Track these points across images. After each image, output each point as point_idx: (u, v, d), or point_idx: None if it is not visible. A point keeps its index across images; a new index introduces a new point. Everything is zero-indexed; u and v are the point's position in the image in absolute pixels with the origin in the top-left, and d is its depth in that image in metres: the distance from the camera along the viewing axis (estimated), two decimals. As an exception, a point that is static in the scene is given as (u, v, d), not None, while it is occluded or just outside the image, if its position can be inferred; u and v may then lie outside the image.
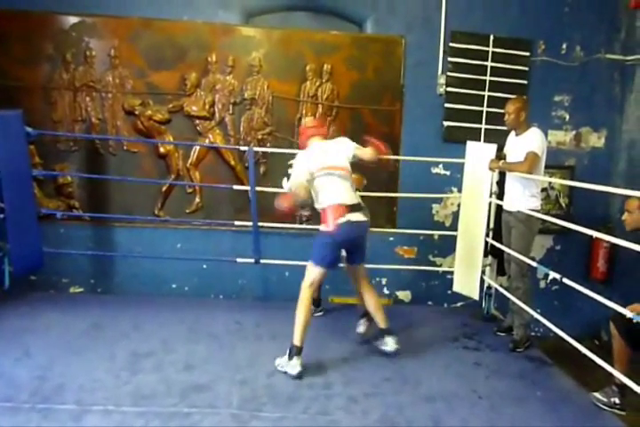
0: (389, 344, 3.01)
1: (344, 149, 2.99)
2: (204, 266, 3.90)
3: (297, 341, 2.81)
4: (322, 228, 2.88)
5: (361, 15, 4.00)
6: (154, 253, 3.79)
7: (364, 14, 3.98)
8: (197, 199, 3.94)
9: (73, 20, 3.78)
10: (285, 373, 2.77)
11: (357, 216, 2.87)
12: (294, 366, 2.76)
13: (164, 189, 3.90)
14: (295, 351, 2.79)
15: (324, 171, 2.88)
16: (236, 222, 3.79)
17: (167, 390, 2.58)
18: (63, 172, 3.82)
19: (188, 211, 3.94)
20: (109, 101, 3.83)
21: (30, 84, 3.77)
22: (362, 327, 3.26)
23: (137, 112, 3.82)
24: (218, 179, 3.83)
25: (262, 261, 3.73)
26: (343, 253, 3.04)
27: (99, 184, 3.87)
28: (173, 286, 3.95)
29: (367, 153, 3.00)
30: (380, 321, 3.05)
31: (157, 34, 3.81)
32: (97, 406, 2.42)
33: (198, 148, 3.88)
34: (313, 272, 2.90)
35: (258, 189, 3.63)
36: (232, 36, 3.86)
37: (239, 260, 3.77)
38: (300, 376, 2.74)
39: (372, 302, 3.06)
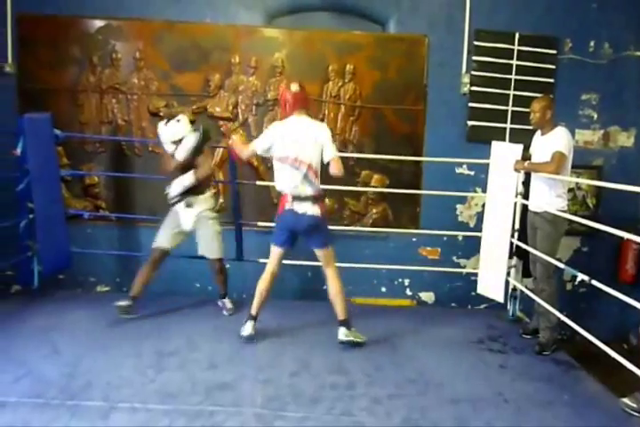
0: (340, 335, 3.11)
1: (319, 145, 2.93)
2: (227, 265, 3.93)
3: (344, 314, 3.11)
4: (320, 212, 3.00)
5: (383, 15, 3.98)
6: (177, 253, 3.83)
7: (387, 14, 3.97)
8: (221, 199, 3.97)
9: (99, 23, 3.85)
10: None
11: (303, 207, 2.94)
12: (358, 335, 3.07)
13: (188, 189, 3.94)
14: (349, 321, 3.07)
15: (287, 161, 2.89)
16: (259, 223, 3.81)
17: (192, 388, 2.61)
18: (90, 172, 3.89)
19: (211, 211, 3.97)
20: (135, 103, 3.90)
21: (58, 87, 3.85)
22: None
23: (161, 113, 3.87)
24: (241, 179, 3.85)
25: (285, 261, 3.74)
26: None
27: (124, 185, 3.94)
28: (197, 285, 3.99)
29: (333, 167, 2.95)
30: (339, 312, 3.13)
31: (181, 36, 3.85)
32: (124, 404, 2.45)
33: (222, 148, 3.91)
34: (271, 250, 3.16)
35: None
36: (255, 37, 3.88)
37: (261, 260, 3.78)
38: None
39: (331, 290, 3.14)
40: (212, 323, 3.43)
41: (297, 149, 2.89)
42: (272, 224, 3.76)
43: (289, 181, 2.92)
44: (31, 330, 3.18)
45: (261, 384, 2.68)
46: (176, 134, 3.21)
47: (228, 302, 3.58)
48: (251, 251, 3.84)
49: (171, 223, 3.34)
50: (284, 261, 3.77)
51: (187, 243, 3.93)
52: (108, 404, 2.44)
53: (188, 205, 3.31)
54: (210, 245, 3.42)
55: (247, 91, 3.90)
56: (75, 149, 3.87)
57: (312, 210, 2.95)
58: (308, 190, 2.93)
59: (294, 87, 2.96)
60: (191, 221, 3.36)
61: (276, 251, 3.14)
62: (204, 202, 3.38)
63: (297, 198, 2.94)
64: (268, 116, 3.93)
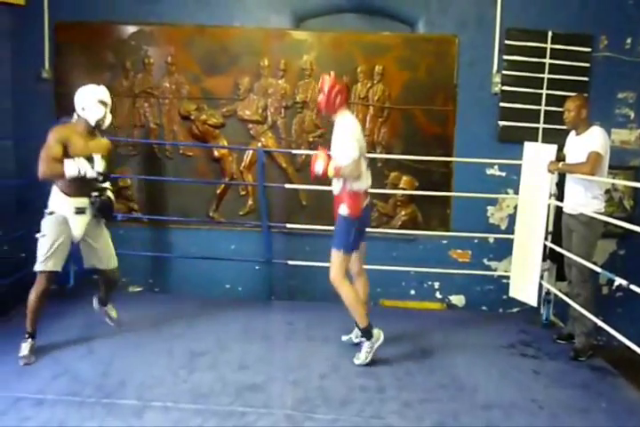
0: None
1: None
2: (257, 267, 3.97)
3: (365, 322, 2.93)
4: (344, 212, 2.88)
5: (413, 15, 3.95)
6: (208, 254, 3.89)
7: (416, 14, 3.93)
8: (250, 201, 4.01)
9: (132, 29, 3.93)
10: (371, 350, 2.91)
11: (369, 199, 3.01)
12: (379, 337, 2.94)
13: (218, 191, 3.99)
14: (370, 328, 2.92)
15: (364, 153, 2.90)
16: (288, 225, 3.83)
17: (223, 388, 2.64)
18: (123, 175, 3.98)
19: (241, 213, 4.01)
20: (166, 107, 3.97)
21: (93, 92, 3.95)
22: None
23: (192, 117, 3.94)
24: (270, 181, 3.88)
25: (314, 263, 3.76)
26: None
27: (156, 187, 4.01)
28: (227, 286, 4.03)
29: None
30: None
31: (211, 40, 3.90)
32: (157, 403, 2.50)
33: (251, 151, 3.94)
34: (345, 260, 2.91)
35: (308, 187, 3.66)
36: (283, 40, 3.90)
37: (290, 262, 3.81)
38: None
39: (365, 292, 3.11)
40: (241, 324, 3.47)
41: (364, 144, 2.97)
42: (301, 226, 3.81)
43: (369, 176, 2.94)
44: (67, 329, 3.27)
45: (291, 386, 2.69)
46: None
47: (113, 312, 3.23)
48: (279, 253, 3.86)
49: (58, 236, 2.78)
50: (322, 264, 3.78)
51: (220, 245, 3.99)
52: (141, 403, 2.49)
53: (80, 211, 2.84)
54: (108, 252, 3.05)
55: (276, 93, 3.93)
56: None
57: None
58: None
59: (336, 77, 2.90)
60: (82, 229, 2.88)
61: (349, 258, 2.94)
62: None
63: (366, 192, 2.94)
64: (297, 118, 3.95)
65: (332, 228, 3.81)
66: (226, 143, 3.97)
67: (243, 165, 3.99)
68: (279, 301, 3.97)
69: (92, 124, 2.79)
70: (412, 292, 3.98)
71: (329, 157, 2.83)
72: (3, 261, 3.72)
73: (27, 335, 2.85)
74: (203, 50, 3.91)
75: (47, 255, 2.77)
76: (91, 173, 2.71)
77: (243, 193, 4.02)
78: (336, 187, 2.90)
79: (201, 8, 3.90)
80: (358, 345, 3.04)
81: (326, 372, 2.87)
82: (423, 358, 3.07)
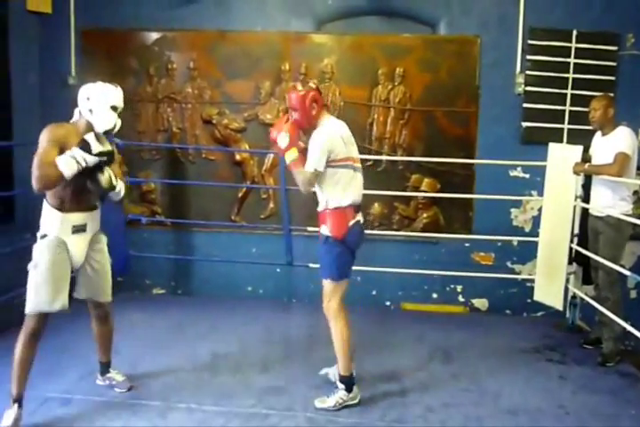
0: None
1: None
2: (278, 270, 3.98)
3: (348, 370, 2.52)
4: (326, 232, 2.53)
5: (433, 16, 3.93)
6: (230, 257, 3.92)
7: (437, 15, 3.91)
8: (271, 205, 4.03)
9: (155, 35, 4.00)
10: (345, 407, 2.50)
11: (360, 216, 2.58)
12: (356, 396, 2.53)
13: (240, 195, 4.03)
14: (352, 380, 2.52)
15: (351, 163, 2.48)
16: (309, 228, 3.84)
17: (246, 390, 2.65)
18: (147, 179, 4.04)
19: (262, 216, 4.04)
20: (189, 112, 4.02)
21: (118, 98, 4.03)
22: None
23: (214, 121, 3.98)
24: (291, 185, 3.88)
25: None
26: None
27: (179, 191, 4.07)
28: (249, 288, 4.06)
29: None
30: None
31: (233, 45, 3.95)
32: (181, 404, 2.53)
33: (272, 155, 3.97)
34: (338, 287, 2.55)
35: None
36: (304, 43, 3.92)
37: (311, 265, 3.81)
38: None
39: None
40: (263, 326, 3.49)
41: (355, 149, 2.57)
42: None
43: (359, 189, 2.55)
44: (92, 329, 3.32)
45: (314, 389, 2.69)
46: None
47: (118, 375, 2.66)
48: (300, 256, 3.87)
49: (55, 266, 2.28)
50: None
51: (242, 248, 4.01)
52: (165, 404, 2.52)
53: (78, 230, 2.34)
54: (109, 280, 2.60)
55: (297, 97, 3.94)
56: (132, 157, 4.03)
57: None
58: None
59: (313, 84, 2.55)
60: (84, 252, 2.39)
61: (344, 286, 2.61)
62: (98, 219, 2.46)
63: (360, 208, 2.57)
64: (317, 121, 3.95)
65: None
66: (247, 147, 4.00)
67: (264, 168, 4.02)
68: (300, 303, 3.98)
69: (99, 131, 2.31)
70: (435, 295, 3.95)
71: (295, 138, 2.48)
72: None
73: (12, 400, 2.25)
74: (224, 55, 3.95)
75: (43, 291, 2.23)
76: (92, 159, 2.19)
77: (264, 196, 4.04)
78: (320, 203, 2.58)
79: (223, 14, 3.94)
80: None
81: (348, 375, 2.85)
82: (446, 362, 3.04)
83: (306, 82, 2.62)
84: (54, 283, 2.26)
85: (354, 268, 3.72)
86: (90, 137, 2.21)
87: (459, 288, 3.94)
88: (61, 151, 2.21)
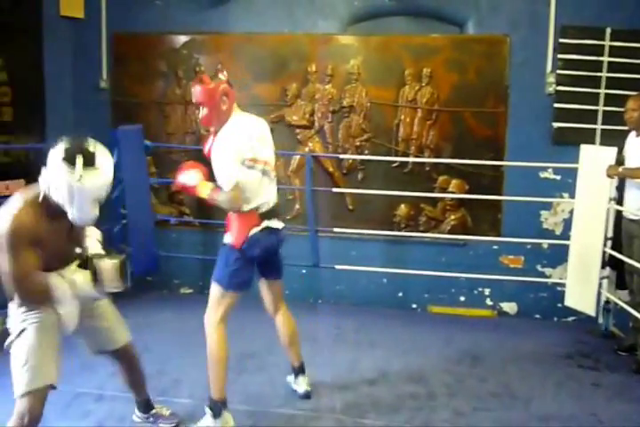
0: (301, 385, 2.59)
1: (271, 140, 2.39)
2: (304, 271, 3.99)
3: (218, 393, 2.27)
4: (227, 240, 2.31)
5: (462, 16, 3.88)
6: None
7: (465, 15, 3.86)
8: (297, 206, 4.04)
9: (184, 38, 4.06)
10: None
11: (277, 223, 2.35)
12: (228, 422, 2.28)
13: (266, 196, 4.05)
14: (221, 405, 2.28)
15: (259, 165, 2.25)
16: (335, 229, 3.84)
17: (272, 391, 2.67)
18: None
19: (288, 217, 4.04)
20: (216, 114, 4.05)
21: (147, 100, 4.10)
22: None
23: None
24: (316, 185, 3.90)
25: (360, 268, 3.77)
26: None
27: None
28: (274, 289, 4.07)
29: None
30: (294, 356, 2.62)
31: (260, 47, 3.97)
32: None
33: (298, 156, 3.98)
34: (223, 298, 2.30)
35: (357, 191, 3.77)
36: (331, 45, 3.92)
37: (337, 266, 3.81)
38: None
39: (289, 332, 2.59)
40: (289, 327, 3.49)
41: (268, 150, 2.35)
42: (349, 230, 3.81)
43: (267, 193, 2.33)
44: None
45: (340, 390, 2.69)
46: None
47: (164, 410, 2.39)
48: (326, 257, 3.86)
49: (42, 336, 1.84)
50: (369, 268, 3.77)
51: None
52: (194, 402, 2.55)
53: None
54: (120, 324, 2.22)
55: (323, 99, 3.95)
56: (161, 158, 4.10)
57: (280, 224, 2.38)
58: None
59: (222, 76, 2.29)
60: (77, 313, 1.95)
61: (233, 299, 2.34)
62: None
63: (273, 213, 2.34)
64: (344, 122, 3.95)
65: (379, 232, 3.82)
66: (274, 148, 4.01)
67: (290, 169, 4.04)
68: (326, 305, 3.98)
69: (75, 223, 1.78)
70: (462, 298, 3.89)
71: (198, 169, 2.29)
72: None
73: None
74: (251, 57, 3.98)
75: (32, 369, 1.80)
76: (92, 293, 1.83)
77: (290, 197, 4.06)
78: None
79: (250, 16, 3.97)
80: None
81: (375, 377, 2.85)
82: (474, 366, 3.00)
83: (215, 74, 2.31)
84: (41, 358, 1.81)
85: (380, 269, 3.78)
86: (104, 264, 1.76)
87: (487, 291, 3.87)
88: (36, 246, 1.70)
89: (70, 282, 1.78)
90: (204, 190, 2.23)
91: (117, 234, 3.77)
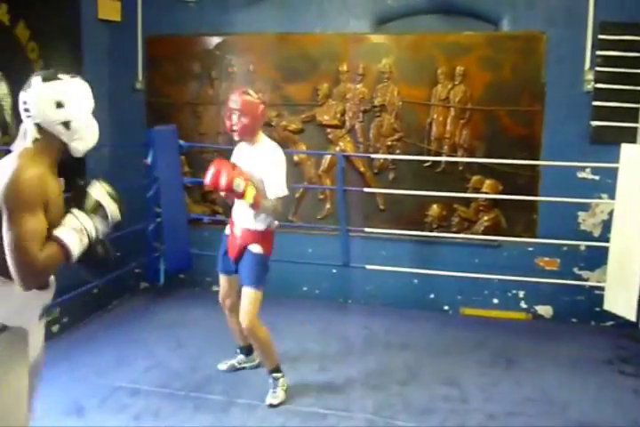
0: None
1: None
2: (334, 271, 3.99)
3: (275, 362, 2.61)
4: (259, 250, 2.57)
5: (496, 13, 3.82)
6: (286, 257, 3.94)
7: (500, 12, 3.79)
8: (328, 205, 4.04)
9: (216, 40, 4.11)
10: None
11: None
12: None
13: (297, 195, 4.06)
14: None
15: None
16: (366, 229, 3.83)
17: (304, 389, 2.68)
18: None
19: (319, 217, 4.06)
20: (248, 114, 4.09)
21: (180, 101, 4.17)
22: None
23: (273, 123, 4.03)
24: (347, 185, 3.89)
25: (391, 268, 3.74)
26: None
27: (238, 191, 4.15)
28: (304, 288, 4.09)
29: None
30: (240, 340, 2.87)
31: (291, 47, 3.99)
32: (241, 400, 2.58)
33: (329, 155, 3.98)
34: (259, 299, 2.59)
35: (386, 191, 3.75)
36: (362, 44, 3.91)
37: (368, 266, 3.79)
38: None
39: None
40: (319, 326, 3.50)
41: None
42: (380, 230, 3.79)
43: None
44: (158, 324, 3.46)
45: (371, 390, 2.68)
46: None
47: None
48: (357, 257, 3.85)
49: (21, 373, 1.45)
50: (391, 268, 3.76)
51: (298, 248, 4.04)
52: (227, 399, 2.58)
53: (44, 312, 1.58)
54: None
55: (354, 98, 3.94)
56: (194, 158, 4.16)
57: None
58: None
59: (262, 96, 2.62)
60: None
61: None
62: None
63: None
64: (375, 122, 3.93)
65: (410, 232, 3.79)
66: (304, 148, 4.03)
67: (321, 169, 4.04)
68: (356, 305, 3.97)
69: (78, 154, 1.56)
70: (495, 300, 3.82)
71: (244, 175, 2.41)
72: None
73: None
74: (283, 57, 4.00)
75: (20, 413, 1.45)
76: (106, 229, 1.58)
77: (321, 197, 4.06)
78: (251, 223, 2.55)
79: (282, 17, 3.99)
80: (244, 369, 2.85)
81: (406, 378, 2.83)
82: (509, 370, 2.95)
83: (255, 91, 2.60)
84: (21, 396, 1.45)
85: (411, 270, 3.75)
86: (99, 193, 1.54)
87: (521, 294, 3.79)
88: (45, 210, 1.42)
89: (81, 232, 1.48)
90: (251, 196, 2.39)
91: (152, 232, 3.85)
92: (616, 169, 3.30)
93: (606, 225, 3.55)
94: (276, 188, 2.48)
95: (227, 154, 4.09)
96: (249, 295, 2.55)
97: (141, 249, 3.93)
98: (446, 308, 3.89)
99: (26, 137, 1.48)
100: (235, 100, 2.49)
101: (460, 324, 3.64)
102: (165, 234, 3.76)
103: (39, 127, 1.47)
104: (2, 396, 1.40)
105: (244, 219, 2.59)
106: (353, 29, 3.93)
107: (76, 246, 1.46)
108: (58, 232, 1.44)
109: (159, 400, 2.55)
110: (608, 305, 3.32)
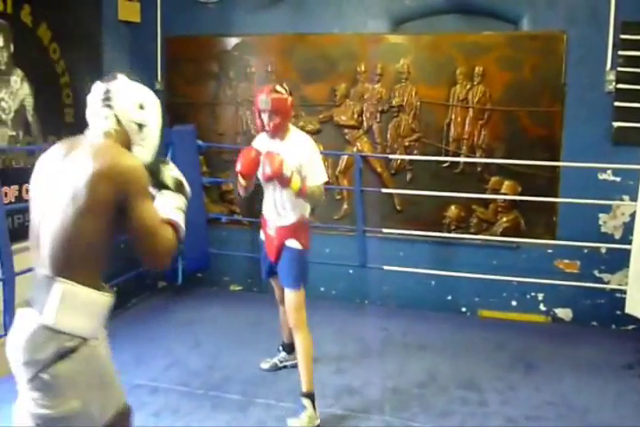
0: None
1: None
2: (351, 271, 3.99)
3: (311, 385, 2.45)
4: (296, 244, 2.51)
5: (516, 12, 3.78)
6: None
7: (520, 11, 3.76)
8: (345, 206, 4.04)
9: (235, 40, 4.13)
10: None
11: None
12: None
13: (314, 195, 4.07)
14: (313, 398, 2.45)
15: None
16: (384, 230, 3.82)
17: (322, 390, 2.67)
18: (227, 179, 4.17)
19: (336, 217, 4.06)
20: (266, 114, 4.11)
21: (199, 101, 4.20)
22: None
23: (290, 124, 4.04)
24: (364, 186, 3.89)
25: (409, 269, 3.73)
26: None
27: (256, 191, 4.14)
28: (321, 289, 4.09)
29: None
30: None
31: (309, 48, 3.99)
32: (259, 399, 2.59)
33: (346, 156, 3.98)
34: (303, 298, 2.51)
35: (404, 192, 3.74)
36: (380, 44, 3.90)
37: (385, 267, 3.79)
38: None
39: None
40: (336, 327, 3.50)
41: None
42: (398, 231, 3.78)
43: None
44: (176, 323, 3.49)
45: (389, 392, 2.68)
46: None
47: None
48: (374, 257, 3.85)
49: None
50: (409, 269, 3.75)
51: (315, 248, 4.02)
52: (245, 398, 2.60)
53: None
54: None
55: (372, 98, 3.93)
56: (213, 158, 4.19)
57: None
58: None
59: (287, 88, 2.53)
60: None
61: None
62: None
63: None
64: (393, 122, 3.92)
65: (428, 233, 3.77)
66: (322, 149, 4.01)
67: (338, 169, 4.04)
68: (373, 305, 3.96)
69: (145, 160, 1.49)
70: (514, 303, 3.79)
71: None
72: (120, 258, 4.02)
73: None
74: (301, 58, 4.01)
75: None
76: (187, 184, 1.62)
77: (338, 197, 4.06)
78: (284, 218, 2.53)
79: (300, 18, 4.00)
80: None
81: (424, 380, 2.81)
82: (528, 373, 2.92)
83: (280, 85, 2.53)
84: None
85: (429, 271, 3.73)
86: (176, 171, 1.59)
87: (540, 296, 3.75)
88: None
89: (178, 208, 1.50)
90: (297, 181, 2.36)
91: (170, 231, 3.88)
92: (638, 171, 3.26)
93: (628, 227, 3.50)
94: (318, 173, 2.47)
95: (244, 154, 4.16)
96: (290, 298, 2.51)
97: (160, 248, 3.96)
98: (464, 309, 3.86)
99: (94, 123, 1.46)
100: (264, 101, 2.42)
101: (478, 326, 3.62)
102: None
103: (117, 119, 1.44)
104: (111, 388, 1.42)
105: (276, 216, 2.57)
106: (371, 29, 3.92)
107: (183, 226, 1.46)
108: (167, 214, 1.43)
109: (178, 398, 2.57)
110: (629, 309, 3.27)
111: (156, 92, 4.36)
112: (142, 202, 1.34)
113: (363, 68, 3.92)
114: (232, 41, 4.14)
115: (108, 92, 1.46)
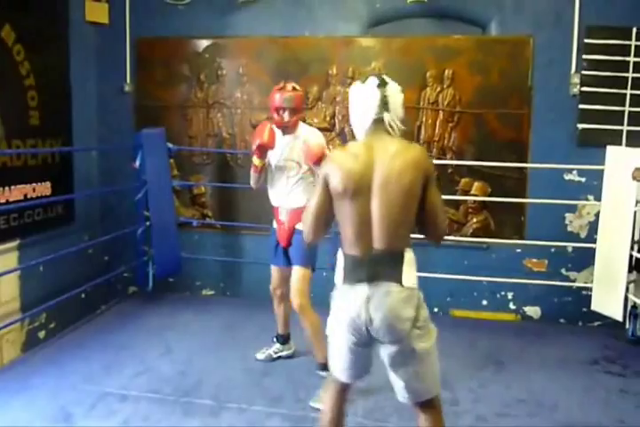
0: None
1: None
2: (324, 274, 3.98)
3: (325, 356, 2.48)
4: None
5: (485, 17, 3.85)
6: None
7: (488, 15, 3.83)
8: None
9: (206, 42, 4.09)
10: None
11: None
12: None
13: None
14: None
15: None
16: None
17: (294, 392, 2.67)
18: (198, 183, 4.14)
19: (308, 219, 4.06)
20: (238, 117, 4.09)
21: (169, 104, 4.14)
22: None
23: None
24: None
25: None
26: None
27: (228, 194, 4.14)
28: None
29: None
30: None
31: (281, 51, 3.99)
32: (231, 404, 2.57)
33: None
34: (309, 279, 2.69)
35: None
36: (352, 47, 3.93)
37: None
38: None
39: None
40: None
41: None
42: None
43: None
44: (147, 329, 3.44)
45: (362, 394, 2.68)
46: None
47: None
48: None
49: None
50: (438, 275, 3.69)
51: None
52: (217, 403, 2.57)
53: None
54: None
55: (344, 101, 3.94)
56: (184, 161, 4.14)
57: None
58: None
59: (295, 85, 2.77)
60: None
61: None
62: None
63: None
64: (365, 124, 3.94)
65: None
66: (295, 151, 4.03)
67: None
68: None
69: None
70: (484, 302, 3.85)
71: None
72: (89, 264, 3.95)
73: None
74: (273, 61, 4.00)
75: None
76: None
77: (311, 199, 4.06)
78: (295, 200, 2.66)
79: (272, 20, 3.99)
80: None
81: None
82: (498, 371, 2.97)
83: (289, 82, 2.76)
84: None
85: (445, 276, 3.70)
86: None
87: (510, 295, 3.82)
88: None
89: None
90: (318, 148, 2.54)
91: (141, 236, 3.83)
92: (602, 171, 3.35)
93: (593, 226, 3.60)
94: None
95: (216, 157, 4.13)
96: (297, 272, 2.62)
97: (130, 253, 3.91)
98: (436, 310, 3.89)
99: (375, 127, 1.78)
100: (287, 99, 2.60)
101: (450, 326, 3.63)
102: (154, 238, 3.74)
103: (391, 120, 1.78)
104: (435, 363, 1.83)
105: (287, 199, 2.70)
106: (343, 33, 3.94)
107: None
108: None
109: (148, 406, 2.53)
110: (595, 306, 3.37)
111: (124, 94, 4.33)
112: (433, 185, 1.72)
113: (334, 71, 3.94)
114: (203, 43, 4.10)
115: (386, 96, 1.81)
